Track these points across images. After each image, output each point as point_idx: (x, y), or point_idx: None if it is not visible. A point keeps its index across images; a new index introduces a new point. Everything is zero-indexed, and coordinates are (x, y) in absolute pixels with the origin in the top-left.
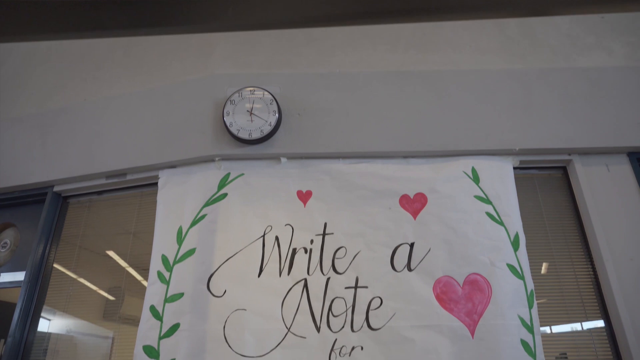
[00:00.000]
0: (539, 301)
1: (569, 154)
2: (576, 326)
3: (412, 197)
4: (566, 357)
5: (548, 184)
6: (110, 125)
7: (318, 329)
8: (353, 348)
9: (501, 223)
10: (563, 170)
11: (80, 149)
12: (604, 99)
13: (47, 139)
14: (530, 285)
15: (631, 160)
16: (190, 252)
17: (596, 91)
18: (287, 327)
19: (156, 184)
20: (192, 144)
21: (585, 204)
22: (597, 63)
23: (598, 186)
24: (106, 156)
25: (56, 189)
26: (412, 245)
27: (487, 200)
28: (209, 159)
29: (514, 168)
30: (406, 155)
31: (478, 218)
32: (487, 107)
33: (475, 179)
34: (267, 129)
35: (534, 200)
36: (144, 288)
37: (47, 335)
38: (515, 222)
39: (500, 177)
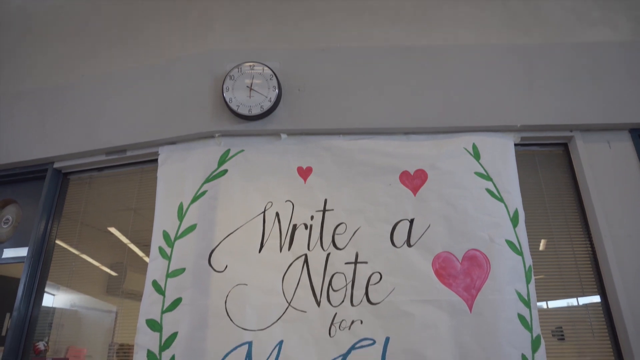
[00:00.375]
0: (537, 277)
1: (571, 131)
2: (572, 301)
3: (412, 174)
4: (562, 331)
5: (549, 160)
6: (109, 101)
7: (318, 303)
8: (353, 322)
9: (501, 199)
10: (564, 147)
11: (80, 126)
12: (607, 75)
13: (46, 116)
14: (529, 261)
15: (633, 137)
16: (191, 228)
17: (600, 67)
18: (287, 302)
19: (156, 160)
20: (192, 120)
21: (585, 181)
22: (601, 38)
23: (599, 163)
24: (106, 132)
25: (56, 165)
26: (411, 221)
27: (487, 177)
28: (208, 135)
29: (515, 144)
30: (407, 132)
31: (478, 194)
32: (489, 83)
33: (476, 155)
34: (267, 105)
35: (534, 177)
36: (145, 264)
37: (51, 310)
38: (515, 199)
39: (501, 154)
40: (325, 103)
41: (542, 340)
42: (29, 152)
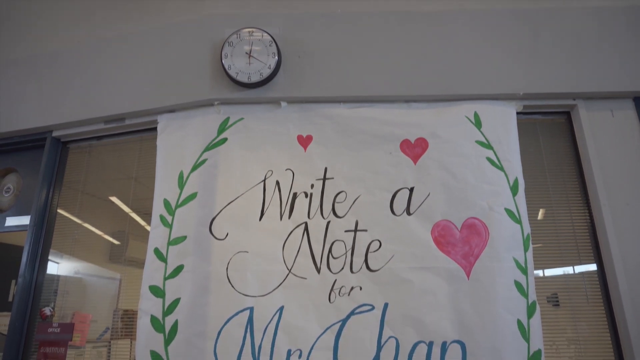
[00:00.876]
0: (534, 245)
1: (574, 99)
2: (569, 269)
3: (413, 142)
4: (557, 297)
5: (550, 129)
6: (106, 68)
7: (318, 270)
8: (352, 288)
9: (501, 168)
10: (566, 116)
11: (77, 94)
12: (613, 41)
13: (43, 83)
14: (527, 229)
15: (637, 105)
16: (192, 196)
17: (605, 33)
18: (288, 269)
19: (155, 128)
20: (190, 88)
21: (586, 149)
22: (607, 3)
23: (601, 131)
24: (104, 101)
25: (55, 134)
26: (411, 189)
27: (488, 145)
28: (207, 103)
29: (517, 113)
30: (408, 100)
31: (478, 163)
32: (492, 49)
33: (477, 123)
34: (266, 72)
35: (535, 146)
36: (147, 232)
37: (56, 277)
38: (515, 167)
39: (502, 122)
40: (326, 70)
41: (538, 306)
42: (27, 120)
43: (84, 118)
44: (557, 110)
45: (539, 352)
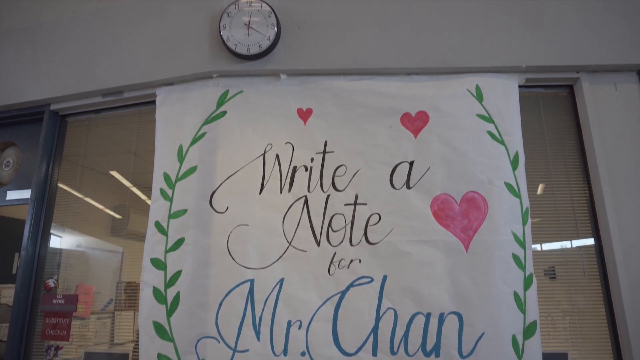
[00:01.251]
0: (533, 220)
1: (577, 72)
2: (566, 244)
3: (413, 116)
4: (554, 271)
5: (553, 103)
6: (102, 40)
7: (318, 243)
8: (351, 261)
9: (502, 142)
10: (569, 89)
11: (74, 66)
12: (619, 13)
13: (39, 55)
14: (526, 203)
15: None
16: (192, 170)
17: (612, 5)
18: (288, 241)
19: (154, 102)
20: (189, 60)
21: (588, 123)
22: None
23: (604, 105)
24: (101, 73)
25: (53, 107)
26: (411, 163)
27: (489, 119)
28: (206, 76)
29: (519, 86)
30: (409, 72)
31: (479, 137)
32: (495, 21)
33: (479, 97)
34: (265, 44)
35: (537, 120)
36: (148, 206)
37: (58, 251)
38: (516, 141)
39: (504, 96)
40: (326, 42)
41: (535, 279)
42: (24, 93)
43: (81, 91)
44: (560, 84)
45: (534, 323)
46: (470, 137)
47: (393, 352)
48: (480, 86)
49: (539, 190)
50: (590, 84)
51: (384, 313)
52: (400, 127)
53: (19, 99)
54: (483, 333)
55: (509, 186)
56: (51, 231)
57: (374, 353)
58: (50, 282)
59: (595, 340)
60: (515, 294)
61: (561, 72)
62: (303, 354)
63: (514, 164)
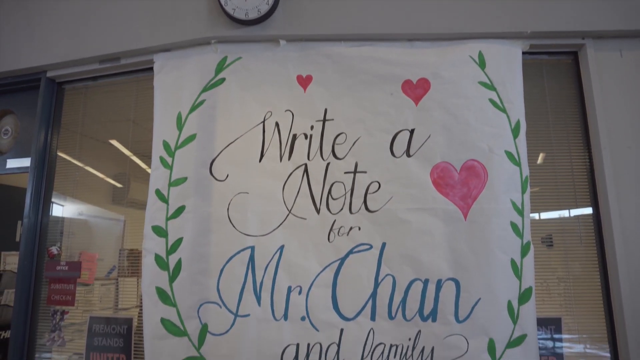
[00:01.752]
0: (532, 190)
1: (583, 38)
2: (565, 213)
3: (415, 83)
4: (551, 239)
5: (556, 70)
6: (98, 5)
7: (318, 211)
8: (351, 228)
9: (503, 110)
10: (574, 56)
11: (70, 32)
12: None
13: (33, 20)
14: (526, 172)
15: None
16: (191, 137)
17: None
18: (288, 209)
19: (152, 69)
20: (186, 26)
21: (591, 90)
22: None
23: (608, 72)
24: (97, 39)
25: (49, 74)
26: (412, 131)
27: (491, 87)
28: (204, 42)
29: (523, 53)
30: (411, 38)
31: (480, 104)
32: None
33: (482, 63)
34: (264, 8)
35: (539, 88)
36: (148, 174)
37: (60, 219)
38: (517, 109)
39: (507, 63)
40: (326, 7)
41: (532, 247)
42: (19, 60)
43: (78, 58)
44: (564, 50)
45: (530, 289)
46: (471, 104)
47: (391, 317)
48: (483, 52)
49: (539, 160)
50: (595, 51)
51: (382, 279)
52: (401, 94)
53: (14, 66)
54: (479, 299)
55: (509, 154)
56: (52, 199)
57: (372, 318)
58: (54, 249)
59: (588, 306)
60: (512, 261)
61: (566, 38)
62: (303, 318)
63: (515, 132)
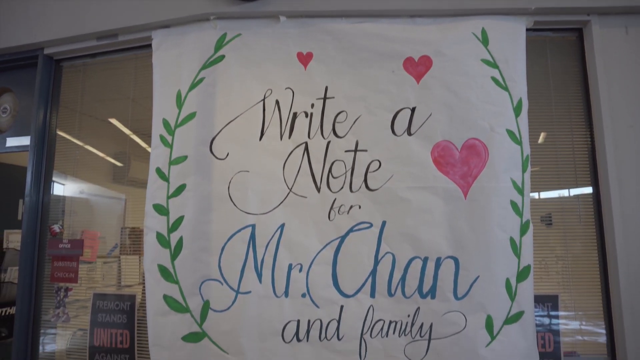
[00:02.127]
0: (533, 169)
1: (588, 14)
2: (565, 192)
3: (416, 60)
4: (550, 218)
5: (560, 47)
6: None
7: (318, 189)
8: (351, 207)
9: (505, 88)
10: (578, 33)
11: (67, 8)
12: None
13: None
14: (527, 151)
15: None
16: (191, 115)
17: None
18: (288, 188)
19: (150, 45)
20: (185, 1)
21: (595, 68)
22: None
23: (612, 49)
24: (95, 15)
25: (47, 51)
26: (413, 109)
27: (494, 64)
28: (203, 18)
29: (526, 30)
30: (413, 15)
31: (482, 83)
32: None
33: (485, 41)
34: None
35: (542, 65)
36: (148, 153)
37: (62, 198)
38: (520, 88)
39: (510, 40)
40: None
41: (531, 225)
42: (15, 37)
43: (75, 34)
44: (568, 27)
45: (528, 267)
46: (473, 83)
47: (390, 294)
48: (486, 29)
49: (541, 139)
50: (600, 27)
51: (382, 257)
52: (402, 72)
53: (10, 43)
54: (478, 276)
55: (510, 133)
56: (53, 178)
57: (372, 295)
58: (56, 227)
59: (585, 284)
60: (511, 240)
61: (571, 14)
62: (303, 295)
63: (517, 110)
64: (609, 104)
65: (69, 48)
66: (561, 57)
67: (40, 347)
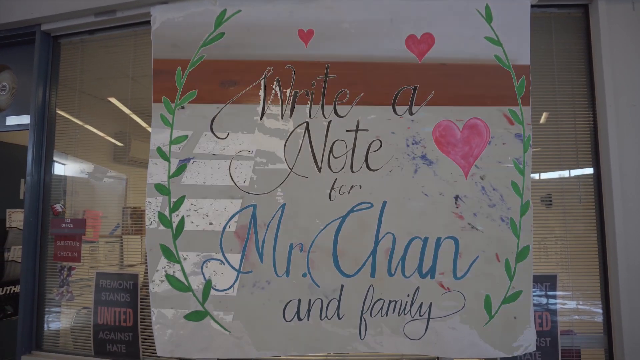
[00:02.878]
0: (534, 149)
1: None
2: (565, 173)
3: (419, 38)
4: (550, 198)
5: (565, 24)
6: None
7: (319, 169)
8: (352, 187)
9: (509, 67)
10: (584, 9)
11: None
12: None
13: None
14: (529, 131)
15: None
16: (192, 94)
17: None
18: (289, 168)
19: (149, 22)
20: None
21: (599, 45)
22: None
23: (618, 26)
24: None
25: (44, 27)
26: (415, 88)
27: (497, 42)
28: None
29: (532, 6)
30: None
31: (485, 61)
32: None
33: (488, 17)
34: None
35: (546, 43)
36: (149, 132)
37: (63, 178)
38: (523, 67)
39: (515, 17)
40: None
41: (531, 206)
42: (12, 12)
43: (72, 10)
44: (574, 3)
45: (527, 247)
46: (476, 61)
47: (390, 274)
48: (490, 6)
49: (542, 119)
50: (606, 3)
51: (382, 237)
52: (404, 50)
53: (7, 19)
54: (477, 257)
55: (512, 113)
56: (54, 158)
57: (372, 274)
58: (58, 207)
59: (584, 264)
60: (511, 220)
61: None
62: (304, 274)
63: (520, 89)
64: (613, 83)
65: (66, 24)
66: (566, 35)
67: (45, 325)
